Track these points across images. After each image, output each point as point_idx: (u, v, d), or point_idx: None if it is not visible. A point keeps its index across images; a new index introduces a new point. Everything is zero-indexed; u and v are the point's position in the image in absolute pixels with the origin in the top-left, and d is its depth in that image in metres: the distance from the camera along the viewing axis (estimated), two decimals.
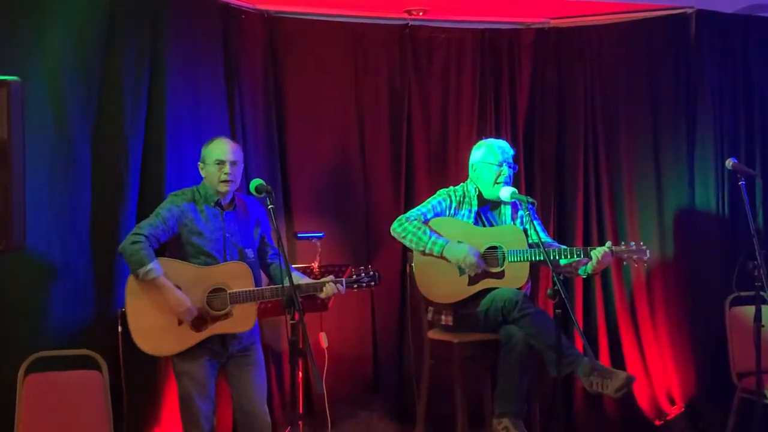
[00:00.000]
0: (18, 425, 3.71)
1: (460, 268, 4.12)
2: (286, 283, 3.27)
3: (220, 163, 3.75)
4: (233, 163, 3.78)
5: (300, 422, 3.87)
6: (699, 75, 5.19)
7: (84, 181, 4.12)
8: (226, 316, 3.68)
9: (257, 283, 3.78)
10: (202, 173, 3.83)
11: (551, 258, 3.97)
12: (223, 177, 3.74)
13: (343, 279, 3.82)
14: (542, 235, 4.23)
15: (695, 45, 5.20)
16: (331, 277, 3.84)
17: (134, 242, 3.58)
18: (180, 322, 3.64)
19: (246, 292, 3.68)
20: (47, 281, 3.99)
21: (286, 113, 5.00)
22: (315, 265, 4.36)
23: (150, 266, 3.56)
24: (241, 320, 3.71)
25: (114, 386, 3.93)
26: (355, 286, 3.85)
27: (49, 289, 4.00)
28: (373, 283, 3.88)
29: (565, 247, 4.16)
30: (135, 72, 4.27)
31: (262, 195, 3.54)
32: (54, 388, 3.82)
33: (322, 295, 3.78)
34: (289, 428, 4.24)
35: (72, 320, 4.05)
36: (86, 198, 4.14)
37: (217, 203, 3.80)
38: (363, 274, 3.86)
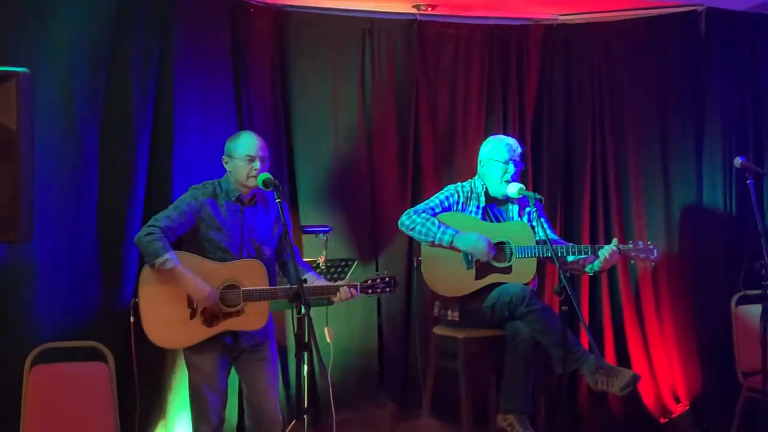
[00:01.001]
0: (24, 416, 3.72)
1: (468, 261, 4.13)
2: (294, 277, 3.26)
3: (251, 158, 3.70)
4: (263, 159, 3.73)
5: (305, 416, 3.86)
6: (708, 73, 5.17)
7: (91, 174, 4.12)
8: (238, 313, 3.67)
9: (272, 281, 3.76)
10: (227, 167, 3.76)
11: (558, 255, 3.97)
12: (254, 172, 3.68)
13: (358, 284, 3.77)
14: (549, 232, 4.23)
15: (705, 42, 5.19)
16: (347, 281, 3.80)
17: (148, 233, 3.56)
18: (192, 316, 3.63)
19: (259, 290, 3.66)
20: (54, 274, 4.00)
21: (293, 107, 4.99)
22: (321, 259, 4.35)
23: (166, 256, 3.53)
24: (253, 318, 3.69)
25: (120, 378, 3.94)
26: (370, 291, 3.79)
27: (56, 282, 4.00)
28: (388, 289, 3.81)
29: (572, 244, 4.16)
30: (143, 65, 4.27)
31: (270, 189, 3.54)
32: (60, 380, 3.83)
33: (336, 300, 3.74)
34: (293, 422, 4.24)
35: (78, 313, 4.06)
36: (93, 191, 4.14)
37: (238, 198, 3.76)
38: (378, 280, 3.79)
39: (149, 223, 3.63)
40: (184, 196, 3.73)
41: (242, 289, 3.66)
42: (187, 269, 3.59)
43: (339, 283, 3.77)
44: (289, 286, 3.73)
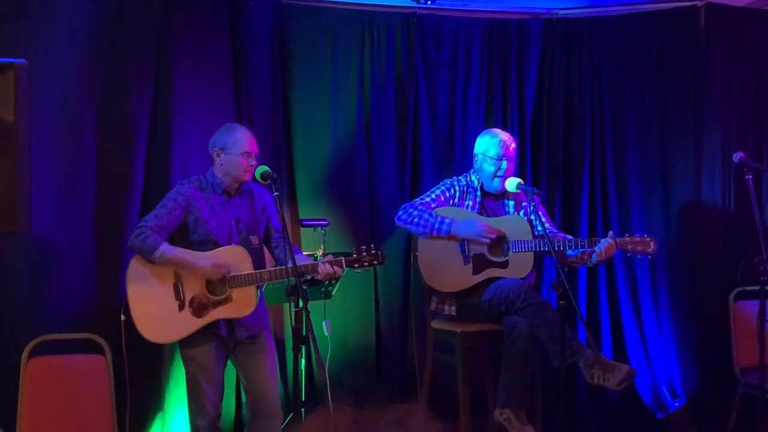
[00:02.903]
0: (21, 408, 3.73)
1: (465, 256, 4.13)
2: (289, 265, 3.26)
3: (248, 154, 3.72)
4: (257, 155, 3.76)
5: (302, 410, 3.86)
6: (707, 68, 5.17)
7: (89, 166, 4.13)
8: (226, 300, 3.67)
9: (257, 267, 3.74)
10: (219, 160, 3.75)
11: (555, 248, 3.96)
12: (249, 169, 3.71)
13: (342, 259, 3.73)
14: (547, 225, 4.23)
15: (704, 38, 5.18)
16: (329, 257, 3.76)
17: (139, 234, 3.58)
18: (181, 308, 3.63)
19: (244, 275, 3.66)
20: (52, 266, 4.00)
21: (292, 100, 4.98)
22: (320, 252, 4.35)
23: (162, 249, 3.57)
24: (241, 304, 3.68)
25: (118, 371, 3.94)
26: (356, 265, 3.76)
27: (54, 274, 4.01)
28: (375, 262, 3.78)
29: (570, 237, 4.15)
30: (142, 59, 4.28)
31: (268, 182, 3.55)
32: (57, 372, 3.84)
33: (319, 277, 3.71)
34: (291, 416, 4.25)
35: (76, 305, 4.07)
36: (91, 183, 4.14)
37: (224, 191, 3.77)
38: (364, 253, 3.76)
39: (139, 225, 3.65)
40: (171, 193, 3.75)
41: (227, 275, 3.66)
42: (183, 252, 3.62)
43: (322, 260, 3.75)
44: (275, 269, 3.71)
